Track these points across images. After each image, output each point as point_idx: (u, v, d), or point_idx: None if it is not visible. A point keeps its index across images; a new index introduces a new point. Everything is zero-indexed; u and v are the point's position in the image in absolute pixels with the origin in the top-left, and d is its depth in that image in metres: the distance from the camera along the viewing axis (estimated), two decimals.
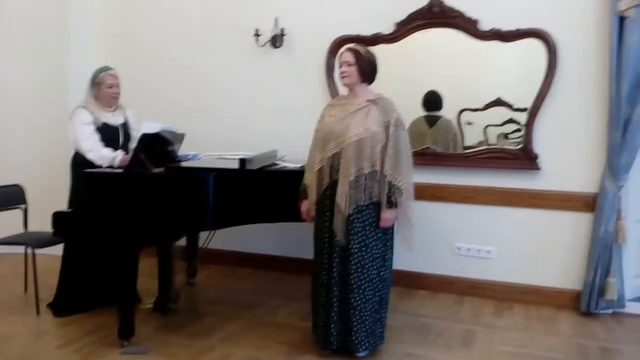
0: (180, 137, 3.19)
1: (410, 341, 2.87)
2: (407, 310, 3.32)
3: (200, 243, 3.67)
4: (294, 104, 3.88)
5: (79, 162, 3.03)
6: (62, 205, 3.07)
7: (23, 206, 3.48)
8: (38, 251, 3.18)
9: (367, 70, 2.59)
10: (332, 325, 2.56)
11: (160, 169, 2.76)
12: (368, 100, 2.59)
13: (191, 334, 2.91)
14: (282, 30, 3.83)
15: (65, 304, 3.13)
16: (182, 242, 3.57)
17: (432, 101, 3.66)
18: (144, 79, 4.21)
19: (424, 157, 3.56)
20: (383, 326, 2.66)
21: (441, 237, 3.62)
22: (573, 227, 3.35)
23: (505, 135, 3.58)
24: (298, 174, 2.77)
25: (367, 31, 3.63)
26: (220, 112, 4.09)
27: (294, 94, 3.90)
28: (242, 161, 2.75)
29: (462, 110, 3.63)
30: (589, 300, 3.24)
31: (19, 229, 3.44)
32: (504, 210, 3.49)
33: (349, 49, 2.64)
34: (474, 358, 2.71)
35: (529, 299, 3.46)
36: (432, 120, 3.69)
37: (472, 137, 3.63)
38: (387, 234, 2.61)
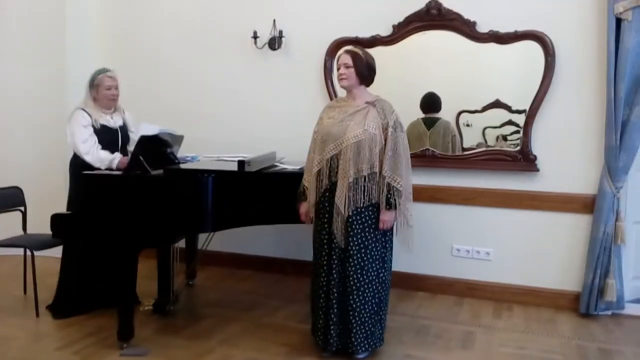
0: (178, 139, 3.19)
1: (410, 342, 2.87)
2: (406, 311, 3.32)
3: (200, 245, 3.67)
4: (293, 106, 3.88)
5: (78, 164, 3.03)
6: (61, 207, 3.07)
7: (22, 208, 3.48)
8: (37, 253, 3.17)
9: (365, 73, 2.60)
10: (332, 327, 2.56)
11: (159, 171, 2.77)
12: (366, 102, 2.59)
13: (190, 335, 2.91)
14: (281, 32, 3.84)
15: (64, 306, 3.12)
16: (182, 243, 3.57)
17: (431, 103, 3.66)
18: (142, 81, 4.22)
19: (423, 159, 3.57)
20: (382, 328, 2.66)
21: (440, 238, 3.63)
22: (572, 228, 3.36)
23: (504, 137, 3.59)
24: (297, 175, 2.78)
25: (365, 33, 3.64)
26: (218, 114, 4.10)
27: (293, 96, 3.90)
28: (241, 163, 2.75)
29: (460, 112, 3.64)
30: (588, 302, 3.25)
31: (18, 231, 3.44)
32: (503, 211, 3.49)
33: (347, 51, 2.64)
34: (473, 359, 2.70)
35: (528, 301, 3.46)
36: (430, 122, 3.70)
37: (470, 139, 3.63)
38: (386, 235, 2.61)
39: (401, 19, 3.56)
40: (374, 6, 3.65)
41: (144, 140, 2.75)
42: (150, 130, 2.82)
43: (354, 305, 2.53)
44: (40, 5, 4.24)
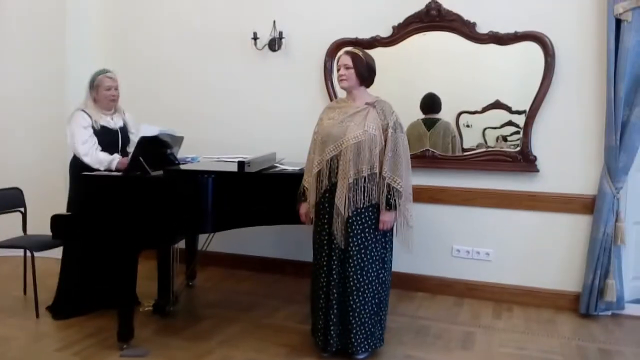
0: (179, 140, 3.19)
1: (410, 343, 2.87)
2: (406, 312, 3.32)
3: (200, 245, 3.68)
4: (293, 107, 3.89)
5: (78, 165, 3.03)
6: (61, 208, 3.07)
7: (22, 209, 3.48)
8: (37, 254, 3.18)
9: (365, 74, 2.60)
10: (332, 328, 2.56)
11: (159, 172, 2.77)
12: (366, 103, 2.60)
13: (190, 336, 2.91)
14: (281, 33, 3.84)
15: (64, 306, 3.12)
16: (182, 244, 3.57)
17: (431, 104, 3.67)
18: (142, 81, 4.22)
19: (423, 160, 3.57)
20: (382, 328, 2.66)
21: (440, 239, 3.63)
22: (572, 229, 3.36)
23: (504, 138, 3.59)
24: (297, 176, 2.78)
25: (365, 34, 3.65)
26: (218, 115, 4.10)
27: (293, 97, 3.90)
28: (241, 164, 2.75)
29: (460, 113, 3.64)
30: (588, 302, 3.25)
31: (18, 232, 3.44)
32: (503, 212, 3.49)
33: (347, 52, 2.65)
34: None
35: (528, 301, 3.46)
36: (430, 123, 3.70)
37: (470, 139, 3.63)
38: (386, 236, 2.61)
39: (401, 20, 3.56)
40: (374, 7, 3.65)
41: (144, 141, 2.75)
42: (150, 131, 2.82)
43: (354, 306, 2.53)
44: (40, 5, 4.24)
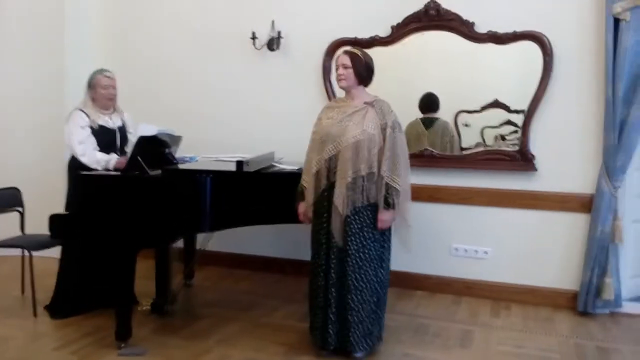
0: (177, 140, 3.19)
1: (408, 342, 2.87)
2: (404, 310, 3.32)
3: (198, 245, 3.67)
4: (291, 107, 3.88)
5: (76, 165, 3.03)
6: (59, 207, 3.07)
7: (20, 209, 3.48)
8: (35, 253, 3.17)
9: (364, 73, 2.60)
10: (330, 326, 2.57)
11: (158, 171, 2.77)
12: (365, 103, 2.60)
13: (188, 335, 2.91)
14: (279, 33, 3.84)
15: (62, 306, 3.12)
16: (180, 243, 3.57)
17: (429, 103, 3.67)
18: (141, 81, 4.22)
19: (421, 159, 3.57)
20: (381, 327, 2.67)
21: (438, 238, 3.63)
22: (570, 227, 3.37)
23: (502, 137, 3.59)
24: (295, 175, 2.78)
25: (363, 34, 3.65)
26: (217, 114, 4.10)
27: (291, 97, 3.90)
28: (239, 163, 2.75)
29: (459, 112, 3.64)
30: (585, 300, 3.25)
31: (16, 232, 3.43)
32: (501, 211, 3.50)
33: (346, 52, 2.65)
34: (471, 358, 2.71)
35: (526, 299, 3.47)
36: (429, 122, 3.70)
37: (469, 138, 3.64)
38: (385, 235, 2.62)
39: (400, 20, 3.57)
40: (373, 7, 3.65)
41: (143, 140, 2.75)
42: (149, 130, 2.82)
43: (352, 305, 2.53)
44: (40, 5, 4.24)
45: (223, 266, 4.12)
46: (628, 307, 3.33)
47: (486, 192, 3.51)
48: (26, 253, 3.21)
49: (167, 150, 3.05)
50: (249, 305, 3.38)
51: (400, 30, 3.57)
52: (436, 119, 3.69)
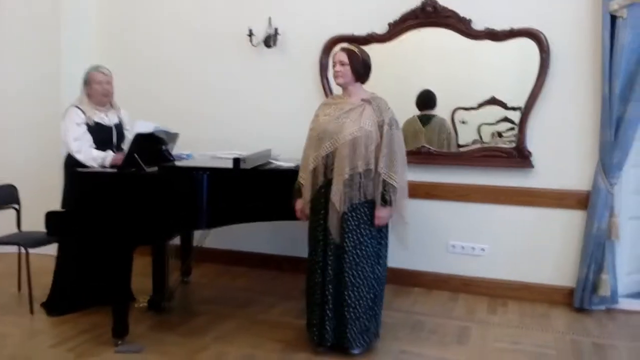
0: (174, 137, 3.19)
1: (405, 338, 2.88)
2: (401, 307, 3.33)
3: (195, 242, 3.67)
4: (288, 104, 3.88)
5: (72, 162, 3.02)
6: (56, 204, 3.06)
7: (16, 206, 3.47)
8: (31, 251, 3.16)
9: (361, 70, 2.60)
10: (327, 323, 2.57)
11: (154, 169, 2.76)
12: (362, 100, 2.59)
13: (185, 332, 2.91)
14: (276, 30, 3.83)
15: (59, 303, 3.12)
16: (177, 240, 3.57)
17: (426, 100, 3.67)
18: (138, 79, 4.20)
19: (418, 156, 3.58)
20: (377, 323, 2.68)
21: (435, 235, 3.64)
22: (566, 224, 3.37)
23: (499, 134, 3.60)
24: (292, 172, 2.78)
25: (360, 31, 3.64)
26: (213, 111, 4.09)
27: (288, 94, 3.90)
28: (236, 161, 2.75)
29: (456, 109, 3.65)
30: (582, 297, 3.27)
31: (12, 229, 3.43)
32: (498, 208, 3.50)
33: (343, 49, 2.65)
34: (468, 354, 2.72)
35: (522, 296, 3.48)
36: (426, 119, 3.70)
37: (466, 135, 3.64)
38: (382, 232, 2.62)
39: (397, 17, 3.56)
40: (370, 4, 3.64)
41: (139, 137, 2.74)
42: (146, 127, 2.81)
43: (349, 301, 2.54)
44: (37, 5, 4.22)
45: (220, 263, 4.12)
46: (624, 304, 3.34)
47: (483, 189, 3.52)
48: (23, 250, 3.20)
49: (163, 148, 3.04)
50: (246, 302, 3.38)
51: (397, 27, 3.57)
52: (433, 116, 3.69)
